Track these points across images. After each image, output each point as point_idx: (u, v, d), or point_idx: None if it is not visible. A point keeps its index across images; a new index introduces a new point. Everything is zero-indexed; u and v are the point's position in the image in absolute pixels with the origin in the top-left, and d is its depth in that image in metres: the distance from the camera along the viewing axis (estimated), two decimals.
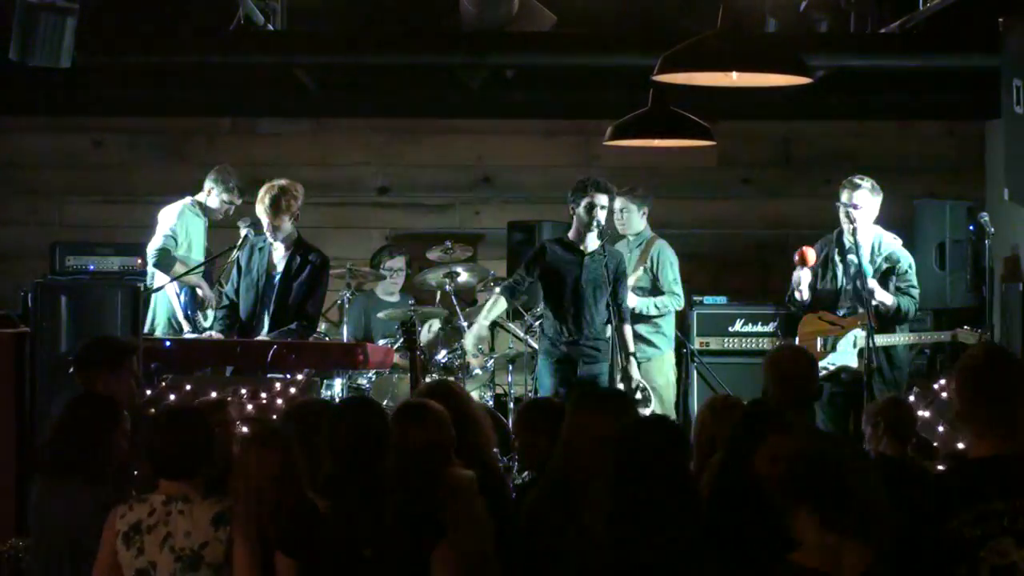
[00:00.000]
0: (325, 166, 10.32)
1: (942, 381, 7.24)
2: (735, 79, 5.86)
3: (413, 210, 10.56)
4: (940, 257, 9.39)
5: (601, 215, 7.90)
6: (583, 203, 7.89)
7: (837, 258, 7.95)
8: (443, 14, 8.86)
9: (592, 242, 7.90)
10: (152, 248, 8.63)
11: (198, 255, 8.73)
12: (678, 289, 8.86)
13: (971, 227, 9.25)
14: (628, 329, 8.02)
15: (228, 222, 8.89)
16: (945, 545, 3.67)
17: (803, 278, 7.89)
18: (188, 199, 8.82)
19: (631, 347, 7.96)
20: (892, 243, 8.03)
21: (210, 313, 8.65)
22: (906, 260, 7.93)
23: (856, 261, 7.78)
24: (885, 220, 8.76)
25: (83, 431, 4.76)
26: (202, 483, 4.33)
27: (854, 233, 7.87)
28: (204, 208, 8.84)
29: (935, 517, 3.70)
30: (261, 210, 7.76)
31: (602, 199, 7.90)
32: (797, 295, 7.96)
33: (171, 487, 4.32)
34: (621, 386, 7.85)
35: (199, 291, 8.70)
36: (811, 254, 7.90)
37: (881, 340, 7.75)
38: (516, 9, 8.42)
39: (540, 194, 10.21)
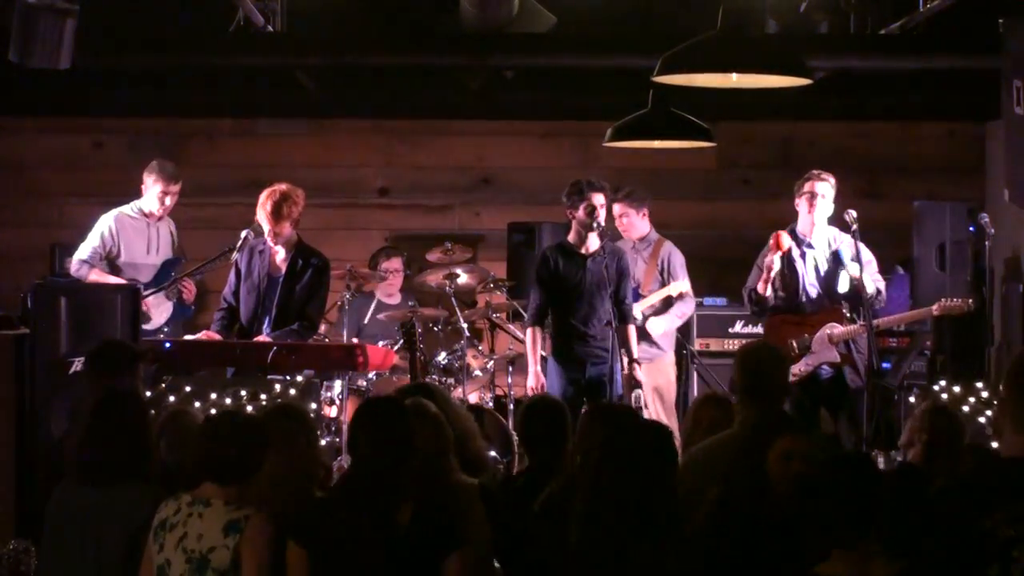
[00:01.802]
0: (325, 167, 10.32)
1: (942, 382, 7.25)
2: (735, 80, 5.87)
3: (413, 211, 10.56)
4: (940, 258, 9.39)
5: (601, 214, 7.90)
6: (582, 206, 7.87)
7: (795, 254, 7.93)
8: (443, 14, 8.86)
9: (593, 243, 7.89)
10: (75, 256, 8.61)
11: (143, 259, 8.66)
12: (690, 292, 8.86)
13: (971, 228, 9.25)
14: (632, 330, 7.99)
15: (231, 223, 8.89)
16: (979, 544, 3.67)
17: (774, 264, 7.86)
18: (126, 206, 8.77)
19: (634, 351, 7.93)
20: (844, 235, 8.00)
21: (149, 317, 8.60)
22: (865, 250, 7.91)
23: (831, 253, 7.82)
24: (885, 220, 8.78)
25: (121, 432, 4.74)
26: (241, 491, 4.29)
27: (812, 232, 7.88)
28: (142, 211, 8.71)
29: (969, 515, 3.71)
30: (262, 215, 7.75)
31: (599, 198, 7.89)
32: (760, 287, 7.91)
33: (209, 489, 4.31)
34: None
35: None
36: (786, 240, 7.88)
37: (877, 324, 7.78)
38: (516, 9, 8.42)
39: (540, 195, 10.20)
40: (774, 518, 4.36)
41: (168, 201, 8.69)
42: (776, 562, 4.18)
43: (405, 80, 10.10)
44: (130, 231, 8.66)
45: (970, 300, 8.07)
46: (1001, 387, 3.89)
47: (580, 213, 7.88)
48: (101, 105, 10.17)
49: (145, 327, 8.45)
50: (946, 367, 9.01)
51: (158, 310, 8.62)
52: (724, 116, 9.37)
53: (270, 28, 8.40)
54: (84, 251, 8.60)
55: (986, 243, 8.72)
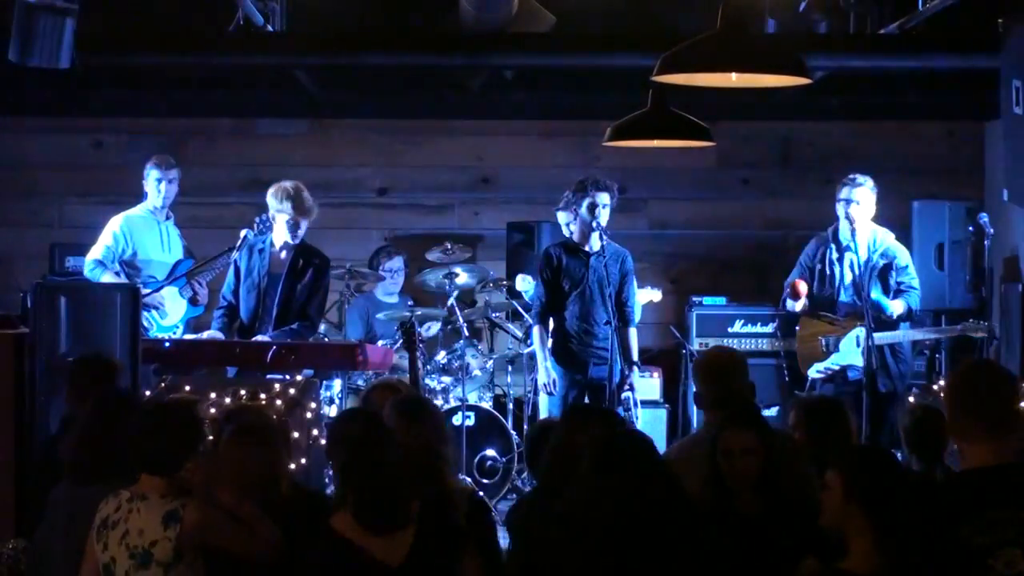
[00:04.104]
0: (325, 166, 10.32)
1: (942, 382, 7.26)
2: (735, 79, 5.85)
3: (413, 211, 10.56)
4: (939, 258, 9.39)
5: (603, 214, 7.90)
6: (585, 203, 7.89)
7: (834, 257, 7.97)
8: (443, 14, 8.86)
9: (596, 242, 7.90)
10: (88, 258, 8.58)
11: (158, 257, 8.67)
12: None
13: (971, 227, 9.25)
14: (633, 332, 8.00)
15: (231, 223, 8.89)
16: (954, 552, 3.68)
17: (797, 308, 7.98)
18: (133, 208, 8.74)
19: (635, 353, 7.95)
20: (887, 238, 8.05)
21: (166, 313, 8.58)
22: (904, 256, 7.98)
23: (858, 263, 7.83)
24: (885, 220, 8.77)
25: (112, 430, 4.76)
26: (177, 482, 4.32)
27: (853, 235, 7.93)
28: (153, 209, 8.70)
29: (944, 524, 3.71)
30: (289, 207, 7.75)
31: (603, 198, 7.90)
32: (790, 304, 8.05)
33: (146, 482, 4.32)
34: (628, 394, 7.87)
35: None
36: (803, 287, 7.95)
37: (887, 337, 7.79)
38: (516, 9, 8.41)
39: (540, 195, 10.20)
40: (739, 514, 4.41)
41: (164, 188, 8.67)
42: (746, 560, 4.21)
43: (405, 80, 10.10)
44: (142, 230, 8.65)
45: (992, 326, 8.14)
46: (946, 400, 3.92)
47: (583, 211, 7.91)
48: (101, 105, 10.17)
49: (163, 323, 8.50)
50: (946, 367, 9.02)
51: (174, 307, 8.63)
52: (724, 116, 9.37)
53: (270, 28, 8.40)
54: (97, 251, 8.54)
55: (985, 243, 8.73)
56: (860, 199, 7.92)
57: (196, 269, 8.62)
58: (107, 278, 8.37)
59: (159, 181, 8.67)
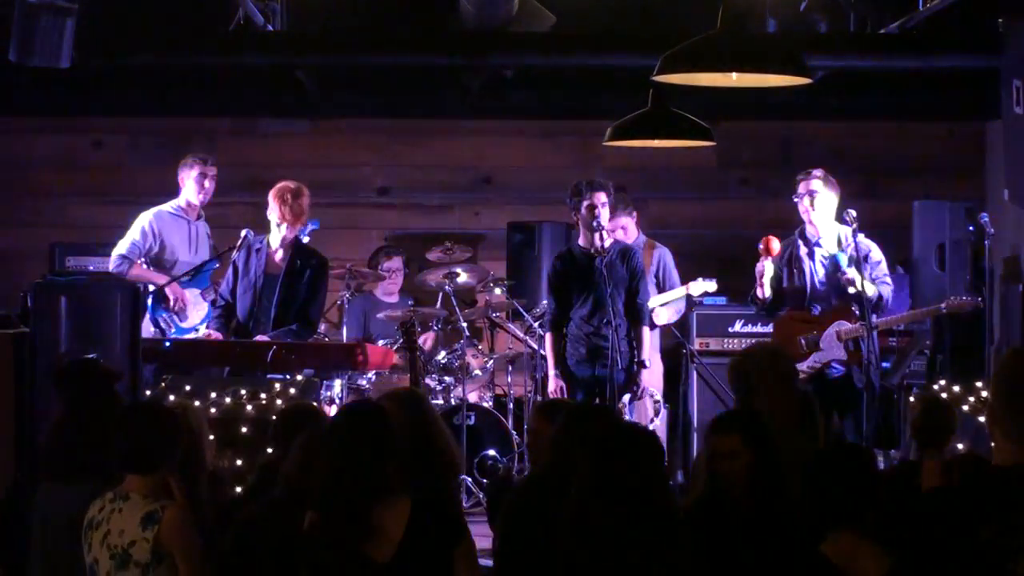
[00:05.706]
0: (325, 166, 10.32)
1: (942, 381, 7.25)
2: (735, 79, 5.86)
3: (413, 211, 10.56)
4: (940, 258, 9.38)
5: (603, 213, 7.91)
6: (583, 205, 7.91)
7: (802, 253, 7.92)
8: (443, 14, 8.86)
9: (600, 242, 7.91)
10: (114, 252, 8.49)
11: (185, 257, 8.59)
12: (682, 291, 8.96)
13: (971, 227, 9.25)
14: (645, 331, 8.01)
15: (231, 223, 8.88)
16: (975, 555, 3.66)
17: (766, 270, 7.88)
18: (164, 205, 8.67)
19: (645, 352, 7.95)
20: (857, 235, 7.98)
21: (186, 316, 8.54)
22: (876, 250, 7.90)
23: (829, 255, 7.81)
24: (885, 220, 8.78)
25: (89, 427, 4.75)
26: (159, 480, 4.31)
27: (818, 230, 7.88)
28: (187, 207, 8.64)
29: (965, 526, 3.70)
30: (295, 209, 7.76)
31: (600, 197, 7.91)
32: (758, 291, 7.93)
33: (131, 482, 4.32)
34: (627, 396, 7.87)
35: (168, 293, 8.45)
36: (775, 244, 7.90)
37: (878, 322, 7.76)
38: (516, 9, 8.42)
39: (540, 194, 10.21)
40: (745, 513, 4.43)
41: (208, 184, 8.63)
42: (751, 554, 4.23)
43: (405, 80, 10.11)
44: (171, 228, 8.56)
45: (979, 299, 8.10)
46: (988, 392, 3.88)
47: (583, 213, 7.92)
48: (101, 105, 10.17)
49: (182, 325, 8.46)
50: (946, 367, 9.01)
51: (195, 310, 8.56)
52: (724, 116, 9.37)
53: (270, 28, 8.41)
54: (123, 247, 8.45)
55: (986, 243, 8.72)
56: (816, 189, 7.88)
57: (186, 273, 8.52)
58: (134, 272, 8.33)
59: (203, 176, 8.61)
